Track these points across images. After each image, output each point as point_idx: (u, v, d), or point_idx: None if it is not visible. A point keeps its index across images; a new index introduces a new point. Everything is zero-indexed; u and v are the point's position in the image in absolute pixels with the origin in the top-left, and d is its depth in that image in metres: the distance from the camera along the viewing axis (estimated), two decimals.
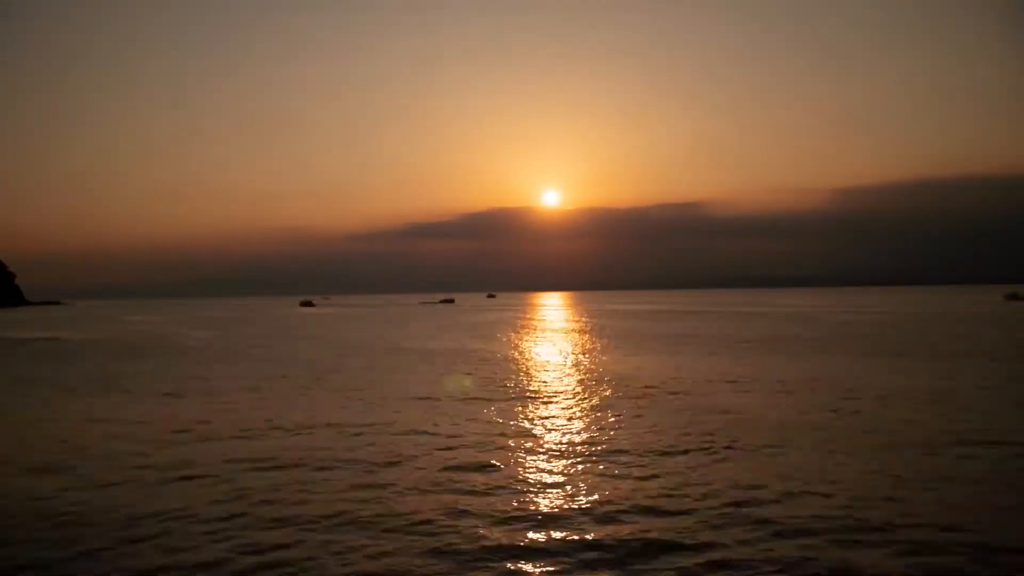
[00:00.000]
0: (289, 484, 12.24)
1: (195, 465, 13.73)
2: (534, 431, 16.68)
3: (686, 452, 14.02)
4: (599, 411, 19.07)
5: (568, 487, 11.77)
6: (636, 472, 12.59)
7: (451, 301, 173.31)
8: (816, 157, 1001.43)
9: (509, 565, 8.62)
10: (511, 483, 12.07)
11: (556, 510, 10.58)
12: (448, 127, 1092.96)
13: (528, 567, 8.56)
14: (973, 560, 8.42)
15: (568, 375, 27.69)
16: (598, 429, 16.63)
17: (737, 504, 10.58)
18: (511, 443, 15.28)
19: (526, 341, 47.45)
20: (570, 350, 39.35)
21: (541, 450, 14.61)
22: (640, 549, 8.97)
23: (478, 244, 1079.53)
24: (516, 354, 37.38)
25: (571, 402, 20.81)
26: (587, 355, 35.80)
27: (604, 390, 22.94)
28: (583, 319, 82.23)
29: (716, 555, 8.69)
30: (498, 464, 13.39)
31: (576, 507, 10.68)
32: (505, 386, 24.45)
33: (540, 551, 9.01)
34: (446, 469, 13.09)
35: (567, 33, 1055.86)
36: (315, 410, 20.15)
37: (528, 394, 22.53)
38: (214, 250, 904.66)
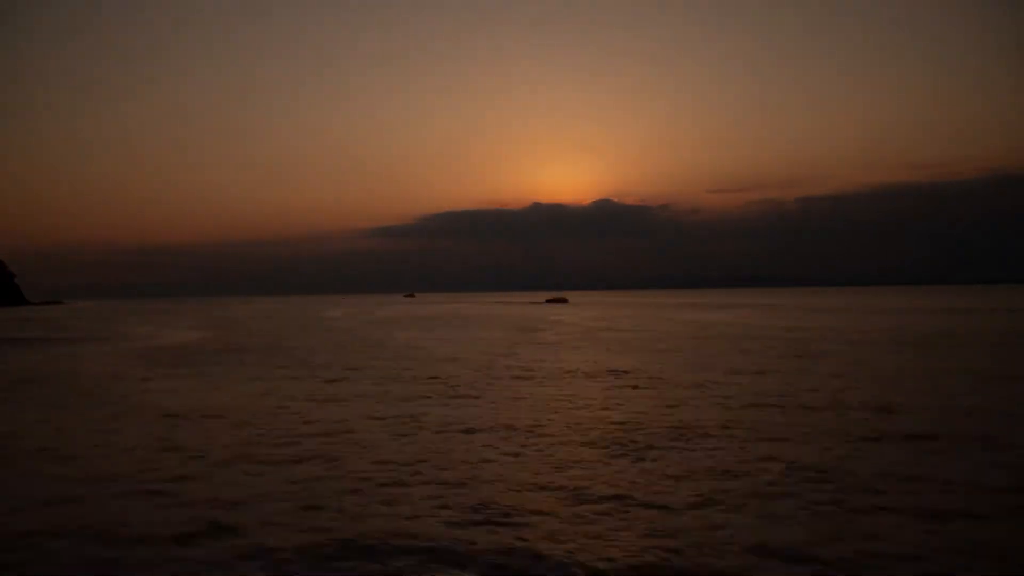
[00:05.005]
0: None
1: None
2: None
3: None
4: None
5: None
6: None
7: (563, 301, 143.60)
8: (787, 163, 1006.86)
9: None
10: None
11: None
12: (400, 127, 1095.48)
13: None
14: None
15: None
16: None
17: None
18: None
19: None
20: None
21: None
22: None
23: (433, 244, 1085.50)
24: None
25: None
26: None
27: None
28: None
29: None
30: None
31: None
32: None
33: None
34: None
35: (539, 29, 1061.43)
36: None
37: None
38: (213, 251, 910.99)
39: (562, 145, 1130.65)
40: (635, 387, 20.30)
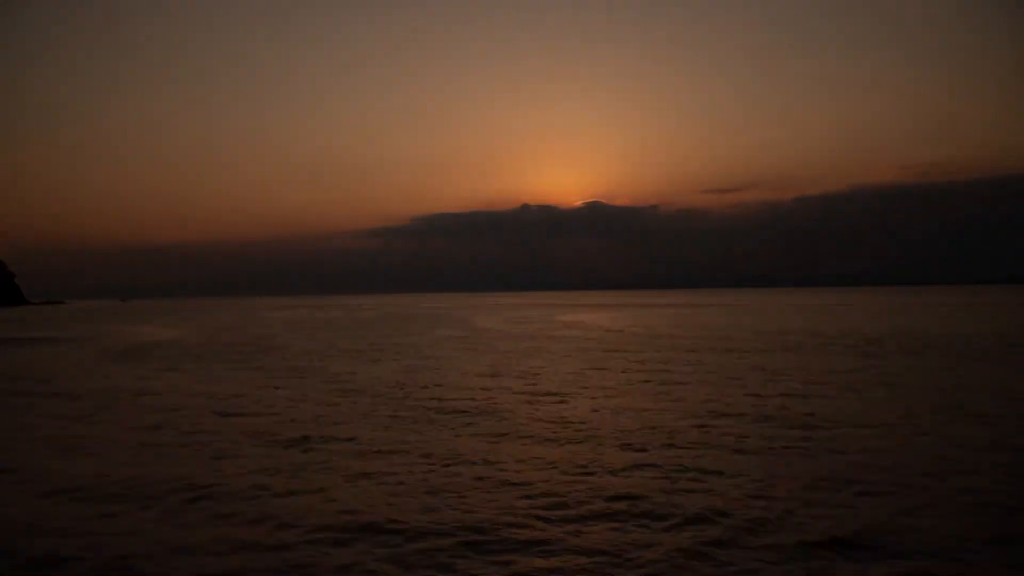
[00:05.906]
0: None
1: None
2: None
3: None
4: None
5: None
6: None
7: None
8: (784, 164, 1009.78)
9: None
10: None
11: None
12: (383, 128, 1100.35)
13: None
14: None
15: None
16: None
17: None
18: None
19: None
20: None
21: None
22: None
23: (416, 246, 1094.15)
24: None
25: None
26: None
27: None
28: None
29: None
30: None
31: None
32: None
33: None
34: None
35: (534, 27, 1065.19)
36: None
37: None
38: (214, 251, 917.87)
39: (552, 148, 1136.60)
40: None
